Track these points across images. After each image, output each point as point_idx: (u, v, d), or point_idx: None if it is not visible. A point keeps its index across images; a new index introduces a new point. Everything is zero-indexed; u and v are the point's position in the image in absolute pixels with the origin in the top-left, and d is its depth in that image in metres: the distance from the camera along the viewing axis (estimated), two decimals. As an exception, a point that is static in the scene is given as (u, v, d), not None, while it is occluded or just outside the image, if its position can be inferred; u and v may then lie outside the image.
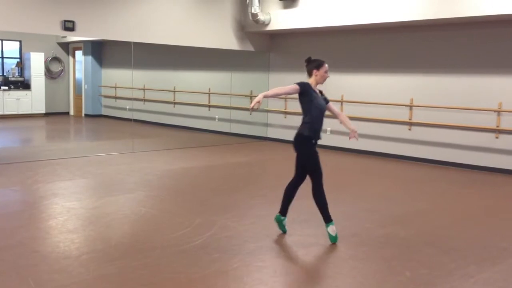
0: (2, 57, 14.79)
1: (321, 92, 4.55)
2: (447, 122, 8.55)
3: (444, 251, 4.35)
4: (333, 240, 4.39)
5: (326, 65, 4.47)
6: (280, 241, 4.46)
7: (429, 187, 7.04)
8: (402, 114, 9.12)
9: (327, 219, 4.44)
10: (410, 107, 8.98)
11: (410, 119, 9.01)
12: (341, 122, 4.74)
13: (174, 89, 13.03)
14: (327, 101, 4.50)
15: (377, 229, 4.92)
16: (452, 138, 8.55)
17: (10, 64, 14.83)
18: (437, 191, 6.81)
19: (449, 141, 8.58)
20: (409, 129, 9.08)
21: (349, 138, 4.65)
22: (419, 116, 8.92)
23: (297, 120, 11.26)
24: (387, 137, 9.39)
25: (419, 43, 8.83)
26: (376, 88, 9.46)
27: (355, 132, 4.59)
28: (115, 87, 14.84)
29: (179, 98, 12.99)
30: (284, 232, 4.64)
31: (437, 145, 8.74)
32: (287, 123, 11.03)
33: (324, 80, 4.49)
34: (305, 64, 4.53)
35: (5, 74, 14.65)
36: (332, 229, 4.41)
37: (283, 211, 4.65)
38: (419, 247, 4.44)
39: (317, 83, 4.47)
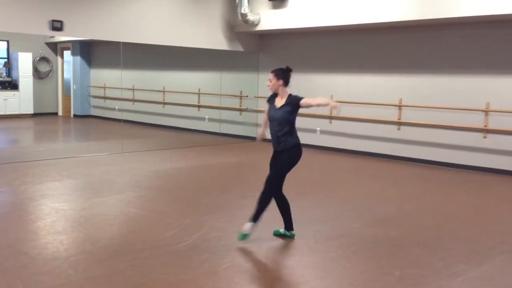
0: (-11, 57, 14.64)
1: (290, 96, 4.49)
2: (436, 122, 8.62)
3: (433, 250, 4.38)
4: (242, 237, 4.35)
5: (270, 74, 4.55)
6: (269, 242, 4.46)
7: (418, 187, 7.09)
8: (391, 114, 9.18)
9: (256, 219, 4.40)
10: (399, 107, 9.04)
11: (399, 119, 9.07)
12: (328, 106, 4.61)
13: (164, 89, 12.99)
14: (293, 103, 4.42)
15: (366, 229, 4.94)
16: (440, 137, 8.62)
17: (-3, 64, 14.69)
18: (426, 191, 6.86)
19: (438, 140, 8.65)
20: (398, 129, 9.14)
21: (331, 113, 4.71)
22: (408, 116, 8.98)
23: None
24: (376, 137, 9.44)
25: (408, 44, 8.89)
26: (365, 88, 9.51)
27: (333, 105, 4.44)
28: (104, 87, 14.75)
29: (169, 98, 12.95)
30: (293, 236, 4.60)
31: (426, 145, 8.80)
32: (277, 123, 11.02)
33: (274, 88, 4.51)
34: (290, 73, 4.53)
35: (-8, 74, 14.50)
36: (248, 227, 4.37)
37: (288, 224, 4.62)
38: (408, 246, 4.46)
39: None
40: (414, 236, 4.80)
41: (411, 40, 8.83)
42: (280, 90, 4.46)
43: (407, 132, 9.04)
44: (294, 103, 4.41)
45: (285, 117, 4.42)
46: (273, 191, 4.48)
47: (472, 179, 7.70)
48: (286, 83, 4.48)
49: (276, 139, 4.49)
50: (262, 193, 4.45)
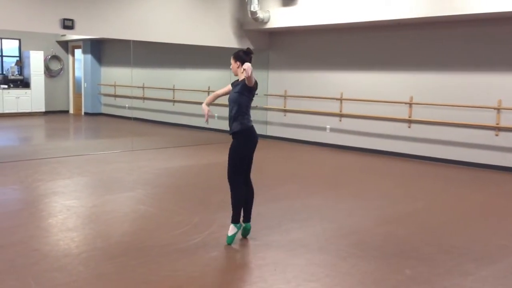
0: (2, 56, 14.77)
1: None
2: (447, 120, 8.55)
3: (444, 249, 4.35)
4: (228, 240, 4.27)
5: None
6: (279, 239, 4.46)
7: (428, 185, 7.04)
8: (402, 112, 9.12)
9: (234, 220, 4.32)
10: (410, 104, 8.98)
11: (409, 117, 9.01)
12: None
13: (174, 87, 13.02)
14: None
15: (376, 228, 4.92)
16: (451, 135, 8.55)
17: (10, 63, 14.81)
18: (437, 189, 6.81)
19: (449, 138, 8.58)
20: (409, 127, 9.08)
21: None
22: (418, 114, 8.92)
23: (297, 118, 11.29)
24: (386, 135, 9.39)
25: (419, 41, 8.82)
26: (375, 86, 9.46)
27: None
28: (115, 86, 14.83)
29: (179, 96, 12.98)
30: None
31: (437, 143, 8.74)
32: (287, 121, 11.02)
33: (234, 71, 4.37)
34: (250, 56, 4.28)
35: (4, 72, 14.64)
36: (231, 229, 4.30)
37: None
38: (419, 245, 4.44)
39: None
40: (425, 234, 4.77)
41: (422, 37, 8.77)
42: (239, 72, 4.29)
43: (417, 130, 8.98)
44: (243, 83, 4.21)
45: (234, 98, 4.26)
46: (235, 186, 4.29)
47: (483, 177, 7.63)
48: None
49: (228, 123, 4.35)
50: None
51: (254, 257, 4.00)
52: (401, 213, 5.50)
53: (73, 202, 5.53)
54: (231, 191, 4.31)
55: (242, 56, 4.26)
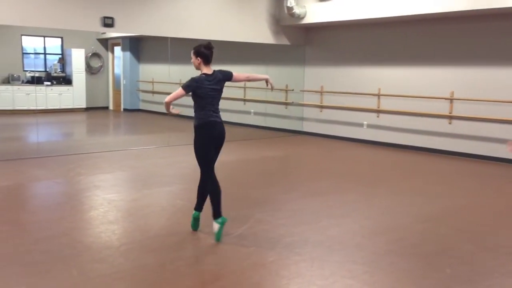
0: (45, 54, 15.26)
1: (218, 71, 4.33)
2: (489, 116, 8.30)
3: (486, 247, 4.24)
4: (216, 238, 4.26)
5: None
6: (315, 235, 4.45)
7: (470, 182, 6.87)
8: (442, 108, 8.91)
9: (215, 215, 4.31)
10: (451, 100, 8.77)
11: (450, 113, 8.79)
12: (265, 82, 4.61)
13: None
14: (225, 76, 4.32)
15: (415, 225, 4.84)
16: (494, 132, 8.29)
17: (53, 60, 15.28)
18: (478, 186, 6.63)
19: (491, 135, 8.33)
20: (449, 123, 8.86)
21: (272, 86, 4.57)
22: (460, 109, 8.70)
23: (334, 114, 11.19)
24: (426, 131, 9.20)
25: (460, 35, 8.59)
26: (414, 81, 9.27)
27: (271, 80, 4.51)
28: (152, 82, 15.08)
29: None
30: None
31: (479, 139, 8.50)
32: (323, 117, 10.95)
33: (195, 66, 4.33)
34: (208, 51, 4.24)
35: (48, 70, 15.11)
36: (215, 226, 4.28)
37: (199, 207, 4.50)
38: (459, 243, 4.34)
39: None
40: (465, 232, 4.66)
41: (464, 31, 8.53)
42: (202, 68, 4.26)
43: (459, 126, 8.75)
44: (224, 78, 4.34)
45: (217, 93, 4.32)
46: (204, 179, 4.37)
47: (528, 175, 7.39)
48: (205, 60, 4.23)
49: (216, 115, 4.37)
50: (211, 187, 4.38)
51: (290, 252, 4.01)
52: (440, 211, 5.39)
53: (114, 196, 5.67)
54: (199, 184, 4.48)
55: (204, 51, 4.23)
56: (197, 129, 4.28)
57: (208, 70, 4.27)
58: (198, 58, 4.24)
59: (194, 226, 4.51)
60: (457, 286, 3.48)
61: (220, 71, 4.35)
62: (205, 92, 4.21)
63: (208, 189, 4.37)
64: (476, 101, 8.43)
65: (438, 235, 4.55)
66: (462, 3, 7.70)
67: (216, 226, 4.26)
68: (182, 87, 4.18)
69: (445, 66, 8.84)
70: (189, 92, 4.22)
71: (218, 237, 4.23)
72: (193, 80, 4.21)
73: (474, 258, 3.98)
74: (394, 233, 4.56)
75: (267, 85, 4.61)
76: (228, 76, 4.37)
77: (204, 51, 4.23)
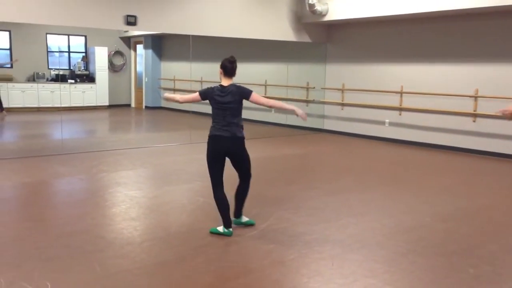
0: (69, 52, 15.50)
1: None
2: (515, 114, 8.12)
3: (509, 248, 4.16)
4: (253, 221, 4.57)
5: None
6: (336, 233, 4.43)
7: (494, 181, 6.74)
8: (466, 105, 8.77)
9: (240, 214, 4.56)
10: (475, 98, 8.61)
11: (474, 111, 8.64)
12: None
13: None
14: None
15: (437, 224, 4.78)
16: (520, 130, 8.13)
17: (76, 58, 15.52)
18: (503, 186, 6.51)
19: (517, 133, 8.17)
20: (474, 121, 8.71)
21: (303, 118, 4.43)
22: (484, 107, 8.54)
23: (355, 112, 11.09)
24: (449, 129, 9.06)
25: (485, 31, 8.43)
26: (437, 78, 9.14)
27: (300, 112, 4.38)
28: (174, 80, 15.19)
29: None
30: (253, 223, 4.62)
31: (504, 138, 8.33)
32: (344, 115, 10.88)
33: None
34: (230, 64, 4.35)
35: (71, 68, 15.35)
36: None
37: (240, 212, 4.60)
38: (482, 243, 4.27)
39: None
40: (488, 232, 4.58)
41: (488, 27, 8.36)
42: (221, 79, 4.39)
43: (483, 124, 8.60)
44: (242, 94, 4.37)
45: (236, 105, 4.38)
46: (213, 188, 4.46)
47: (555, 174, 7.22)
48: (225, 72, 4.34)
49: (226, 128, 4.39)
50: (243, 192, 4.59)
51: (311, 250, 4.00)
52: (463, 210, 5.31)
53: (135, 193, 5.74)
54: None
55: (225, 63, 4.36)
56: (208, 139, 4.42)
57: (225, 82, 4.35)
58: (221, 69, 4.37)
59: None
60: (479, 286, 3.42)
61: (237, 86, 4.34)
62: (214, 103, 4.33)
63: (214, 197, 4.44)
64: (501, 99, 8.26)
65: (460, 235, 4.48)
66: (487, 0, 7.56)
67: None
68: (199, 92, 4.40)
69: (469, 63, 8.68)
70: (202, 99, 4.40)
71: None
72: (208, 88, 4.40)
73: (497, 258, 3.91)
74: (416, 232, 4.51)
75: (297, 115, 4.44)
76: (244, 94, 4.31)
77: (226, 63, 4.35)
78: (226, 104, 4.29)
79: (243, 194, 4.56)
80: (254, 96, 4.34)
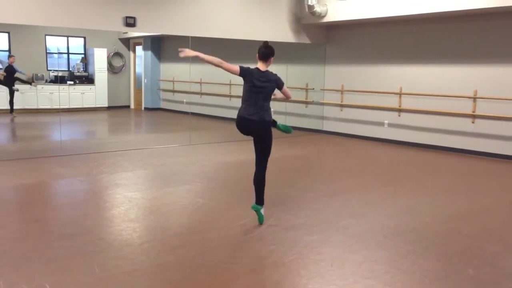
0: (68, 53, 15.49)
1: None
2: (514, 115, 8.14)
3: (510, 249, 4.16)
4: (262, 221, 4.66)
5: None
6: (336, 234, 4.42)
7: (494, 182, 6.74)
8: (465, 107, 8.77)
9: (263, 201, 4.67)
10: (474, 99, 8.62)
11: (473, 112, 8.64)
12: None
13: (230, 82, 13.16)
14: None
15: (438, 225, 4.77)
16: (519, 131, 8.13)
17: (75, 60, 15.50)
18: (503, 187, 6.51)
19: (516, 134, 8.17)
20: (473, 122, 8.72)
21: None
22: (483, 108, 8.54)
23: (354, 113, 11.10)
24: (448, 130, 9.07)
25: (484, 32, 8.43)
26: (436, 79, 9.14)
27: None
28: (173, 81, 15.18)
29: (236, 91, 13.10)
30: (260, 222, 4.66)
31: (503, 139, 8.34)
32: (343, 116, 10.88)
33: None
34: (264, 48, 4.51)
35: (71, 69, 15.33)
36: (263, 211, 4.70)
37: (260, 200, 4.70)
38: (483, 244, 4.27)
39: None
40: (489, 233, 4.58)
41: (488, 28, 8.37)
42: (258, 63, 4.59)
43: (482, 126, 8.60)
44: (277, 82, 4.66)
45: (269, 90, 4.64)
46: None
47: (554, 175, 7.22)
48: (260, 57, 4.57)
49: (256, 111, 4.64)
50: (262, 178, 4.75)
51: (311, 252, 4.00)
52: (464, 211, 5.30)
53: (135, 194, 5.73)
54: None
55: (261, 48, 4.56)
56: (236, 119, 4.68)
57: (262, 66, 4.55)
58: (258, 53, 4.56)
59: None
60: (480, 287, 3.42)
61: (274, 74, 4.57)
62: (250, 84, 4.50)
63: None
64: (500, 100, 8.27)
65: (461, 236, 4.48)
66: (487, 1, 7.56)
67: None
68: (240, 66, 4.51)
69: (468, 64, 8.69)
70: (241, 74, 4.51)
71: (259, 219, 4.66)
72: (249, 67, 4.54)
73: (498, 260, 3.91)
74: (416, 233, 4.51)
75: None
76: (278, 82, 4.60)
77: (261, 47, 4.55)
78: (260, 88, 4.49)
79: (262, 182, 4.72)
80: (285, 88, 4.69)
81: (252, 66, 4.64)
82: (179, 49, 4.50)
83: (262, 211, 4.68)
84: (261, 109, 4.54)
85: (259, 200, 4.67)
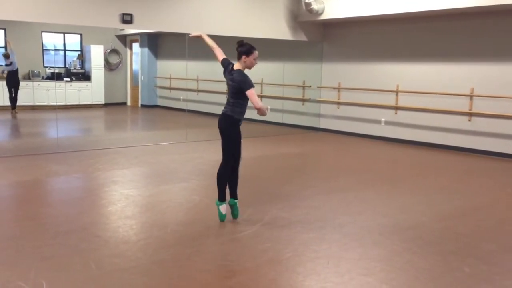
0: (65, 50, 15.44)
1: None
2: (510, 113, 8.16)
3: (506, 247, 4.18)
4: (223, 218, 4.66)
5: (256, 52, 4.54)
6: (332, 232, 4.43)
7: (490, 180, 6.77)
8: (462, 105, 8.79)
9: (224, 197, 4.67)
10: (471, 97, 8.64)
11: (470, 110, 8.67)
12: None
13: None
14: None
15: (434, 223, 4.79)
16: (515, 129, 8.16)
17: (72, 57, 15.46)
18: (499, 185, 6.53)
19: (512, 132, 8.20)
20: (469, 120, 8.74)
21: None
22: (480, 106, 8.57)
23: (351, 111, 11.12)
24: (445, 128, 9.09)
25: (481, 30, 8.45)
26: (433, 77, 9.16)
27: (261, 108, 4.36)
28: (170, 78, 15.16)
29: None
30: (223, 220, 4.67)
31: (499, 137, 8.37)
32: (340, 114, 10.89)
33: (252, 66, 4.55)
34: (237, 47, 4.53)
35: (67, 66, 15.29)
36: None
37: (226, 195, 4.72)
38: (479, 242, 4.28)
39: (244, 69, 4.52)
40: (485, 231, 4.59)
41: (485, 26, 8.39)
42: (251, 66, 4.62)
43: (478, 123, 8.62)
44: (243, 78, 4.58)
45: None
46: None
47: (550, 173, 7.24)
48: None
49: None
50: (231, 174, 4.85)
51: (307, 249, 4.00)
52: (460, 209, 5.32)
53: (131, 191, 5.73)
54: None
55: (245, 48, 4.52)
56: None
57: (236, 65, 4.55)
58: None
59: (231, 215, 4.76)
60: (475, 285, 3.43)
61: (242, 75, 4.47)
62: (226, 80, 4.59)
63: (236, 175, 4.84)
64: (496, 98, 8.29)
65: (457, 234, 4.50)
66: (483, -2, 7.58)
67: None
68: (224, 57, 4.72)
69: (465, 62, 8.71)
70: (221, 64, 4.69)
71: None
72: (229, 63, 4.63)
73: (493, 258, 3.93)
74: (412, 231, 4.52)
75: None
76: (241, 84, 4.40)
77: (236, 47, 4.58)
78: (229, 85, 4.56)
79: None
80: (249, 92, 4.36)
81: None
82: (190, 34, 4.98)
83: (221, 208, 4.64)
84: (228, 105, 4.58)
85: (221, 196, 4.67)
